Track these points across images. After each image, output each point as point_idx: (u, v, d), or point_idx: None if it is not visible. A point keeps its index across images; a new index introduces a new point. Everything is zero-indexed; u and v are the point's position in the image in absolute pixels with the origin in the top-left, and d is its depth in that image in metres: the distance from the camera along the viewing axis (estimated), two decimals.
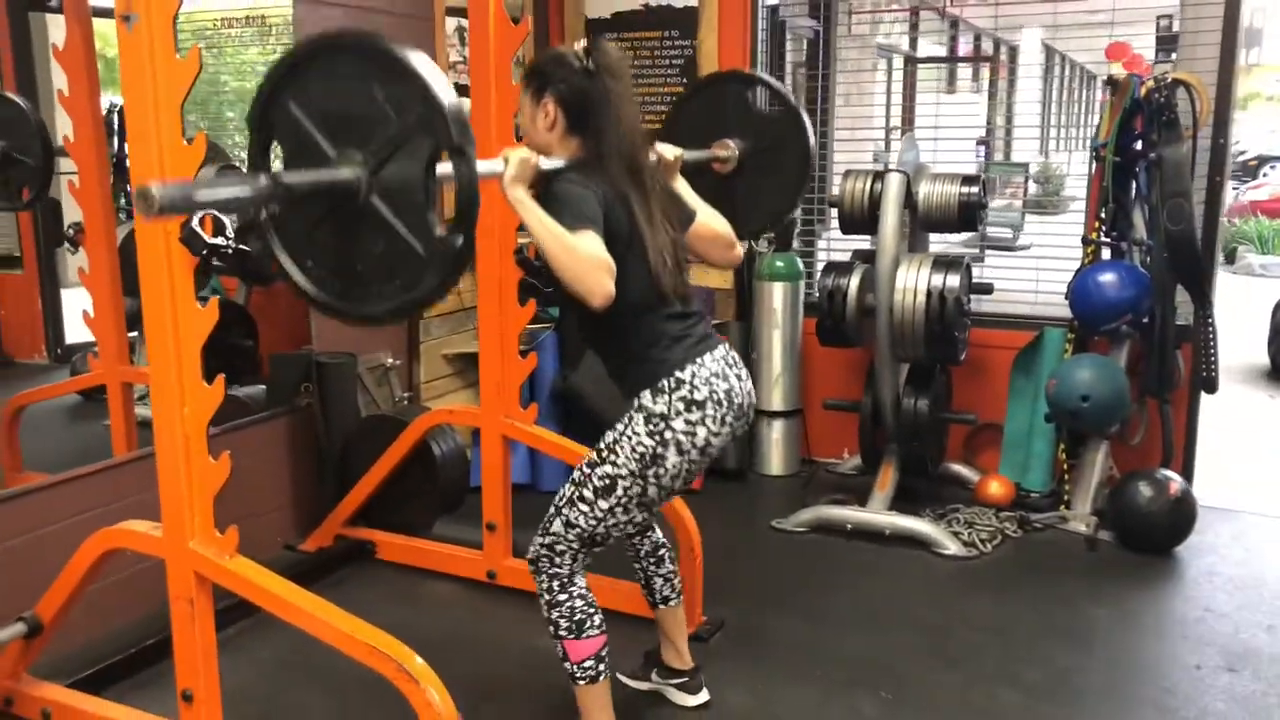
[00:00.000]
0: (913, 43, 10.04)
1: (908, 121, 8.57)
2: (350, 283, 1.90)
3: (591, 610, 2.39)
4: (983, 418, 4.28)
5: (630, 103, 2.29)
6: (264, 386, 3.92)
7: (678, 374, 2.25)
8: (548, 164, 2.20)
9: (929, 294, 3.62)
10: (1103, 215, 3.88)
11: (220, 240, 2.15)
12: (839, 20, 4.89)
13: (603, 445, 2.33)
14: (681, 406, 2.23)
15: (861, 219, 3.91)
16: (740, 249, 2.60)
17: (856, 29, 5.12)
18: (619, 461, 2.28)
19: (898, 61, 9.50)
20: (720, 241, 2.55)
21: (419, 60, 1.77)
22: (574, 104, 2.26)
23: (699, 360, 2.28)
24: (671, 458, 2.25)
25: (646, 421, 2.25)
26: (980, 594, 3.46)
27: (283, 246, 1.93)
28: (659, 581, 2.74)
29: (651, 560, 2.74)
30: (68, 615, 2.60)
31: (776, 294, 4.45)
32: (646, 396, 2.26)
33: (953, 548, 3.71)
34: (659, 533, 2.76)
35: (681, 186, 2.56)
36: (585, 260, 2.04)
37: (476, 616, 3.31)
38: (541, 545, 2.39)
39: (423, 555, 3.57)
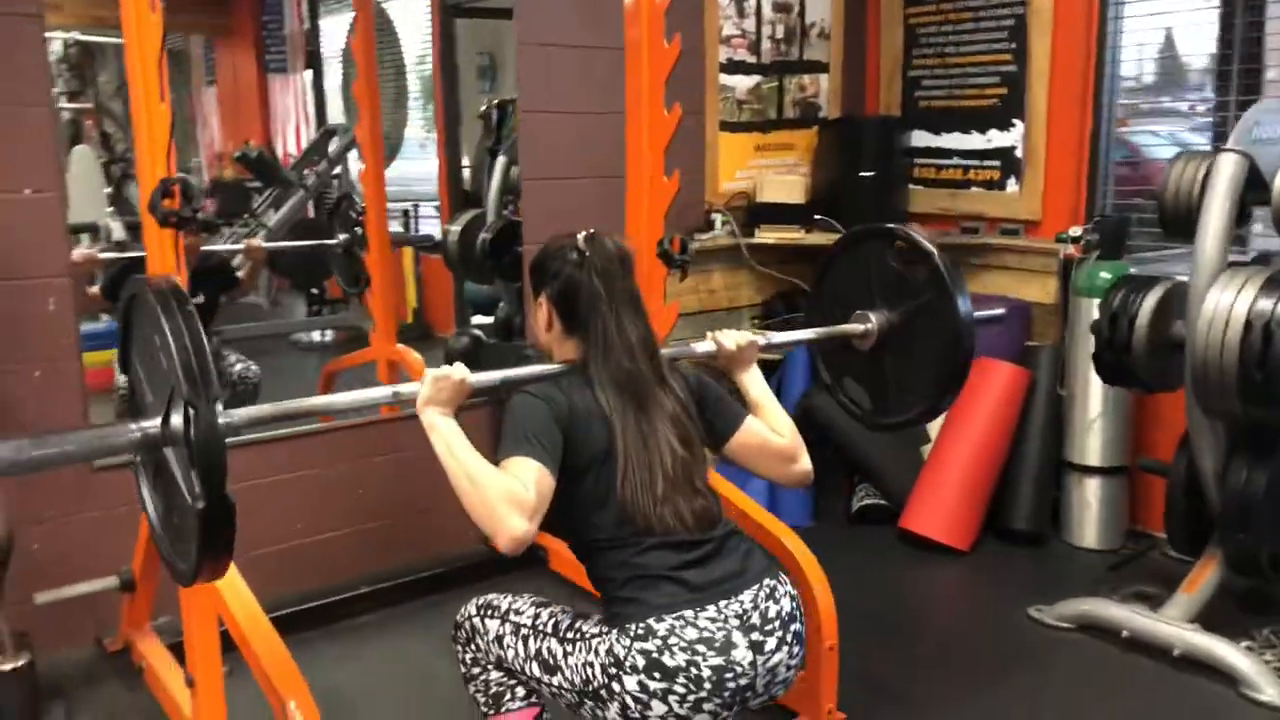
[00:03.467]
0: None
1: None
2: (171, 543, 1.72)
3: (510, 681, 1.94)
4: None
5: (628, 306, 1.91)
6: None
7: (651, 622, 1.72)
8: (484, 379, 1.88)
9: (1248, 325, 2.51)
10: None
11: (186, 210, 2.00)
12: None
13: (576, 625, 1.84)
14: (642, 662, 1.70)
15: (1188, 218, 2.84)
16: (805, 464, 2.05)
17: None
18: (571, 662, 1.80)
19: None
20: (768, 453, 2.03)
21: (168, 303, 1.58)
22: (565, 302, 1.93)
23: (686, 614, 1.73)
24: (612, 712, 1.74)
25: (607, 654, 1.74)
26: None
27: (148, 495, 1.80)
28: None
29: None
30: (156, 578, 2.67)
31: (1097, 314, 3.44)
32: (612, 630, 1.76)
33: (1269, 693, 2.57)
34: None
35: (750, 381, 2.16)
36: (490, 495, 1.65)
37: None
38: (468, 620, 1.99)
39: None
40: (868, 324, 2.47)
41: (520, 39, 3.51)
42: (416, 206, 5.05)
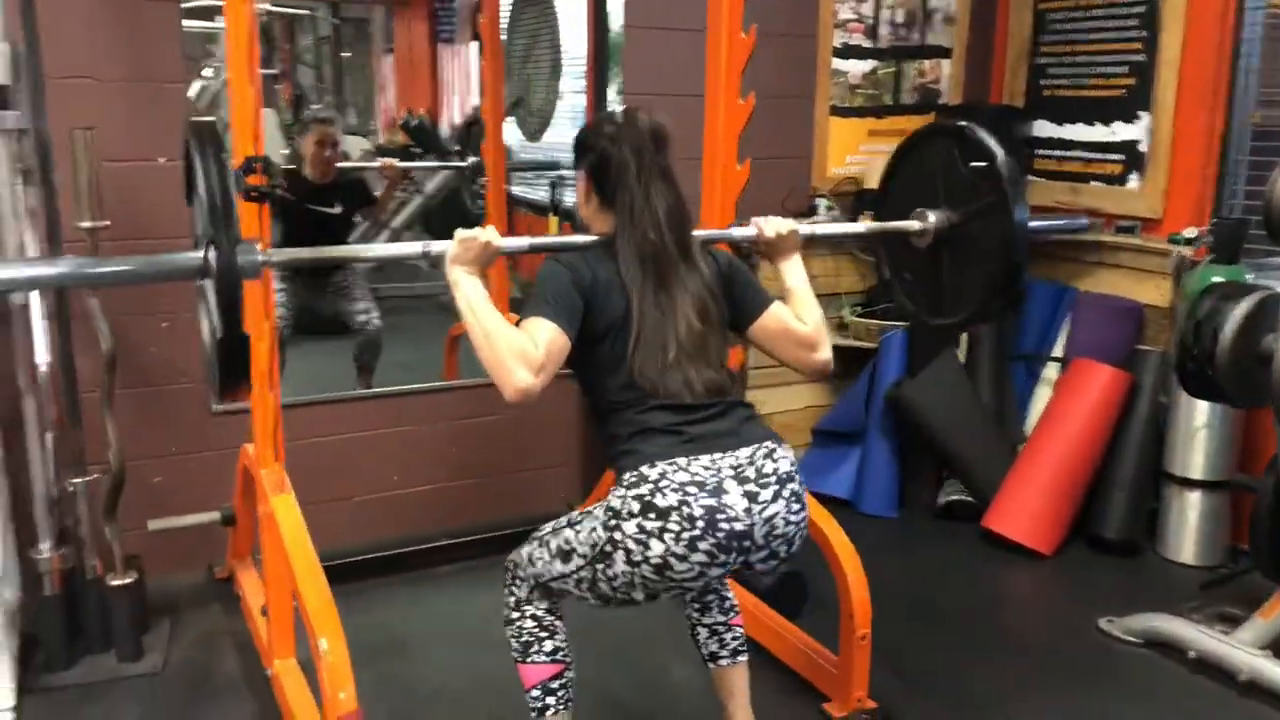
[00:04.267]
0: None
1: None
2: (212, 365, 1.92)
3: (542, 634, 2.06)
4: None
5: (658, 179, 1.97)
6: None
7: (644, 469, 1.81)
8: (511, 243, 1.99)
9: None
10: None
11: (266, 186, 2.19)
12: None
13: (583, 511, 1.98)
14: (637, 507, 1.79)
15: None
16: (824, 354, 2.09)
17: None
18: (581, 536, 1.91)
19: None
20: (790, 339, 2.08)
21: (204, 147, 1.72)
22: (598, 174, 2.01)
23: (679, 460, 1.81)
24: (619, 564, 1.83)
25: (605, 511, 1.85)
26: None
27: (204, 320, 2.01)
28: (704, 633, 2.26)
29: (696, 606, 2.26)
30: (254, 514, 2.94)
31: None
32: (615, 487, 1.87)
33: None
34: None
35: (788, 269, 2.21)
36: (501, 349, 1.78)
37: (653, 631, 3.02)
38: (512, 558, 2.11)
39: None
40: (925, 222, 2.46)
41: (627, 22, 3.61)
42: (563, 178, 5.24)
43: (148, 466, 3.10)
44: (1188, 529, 3.41)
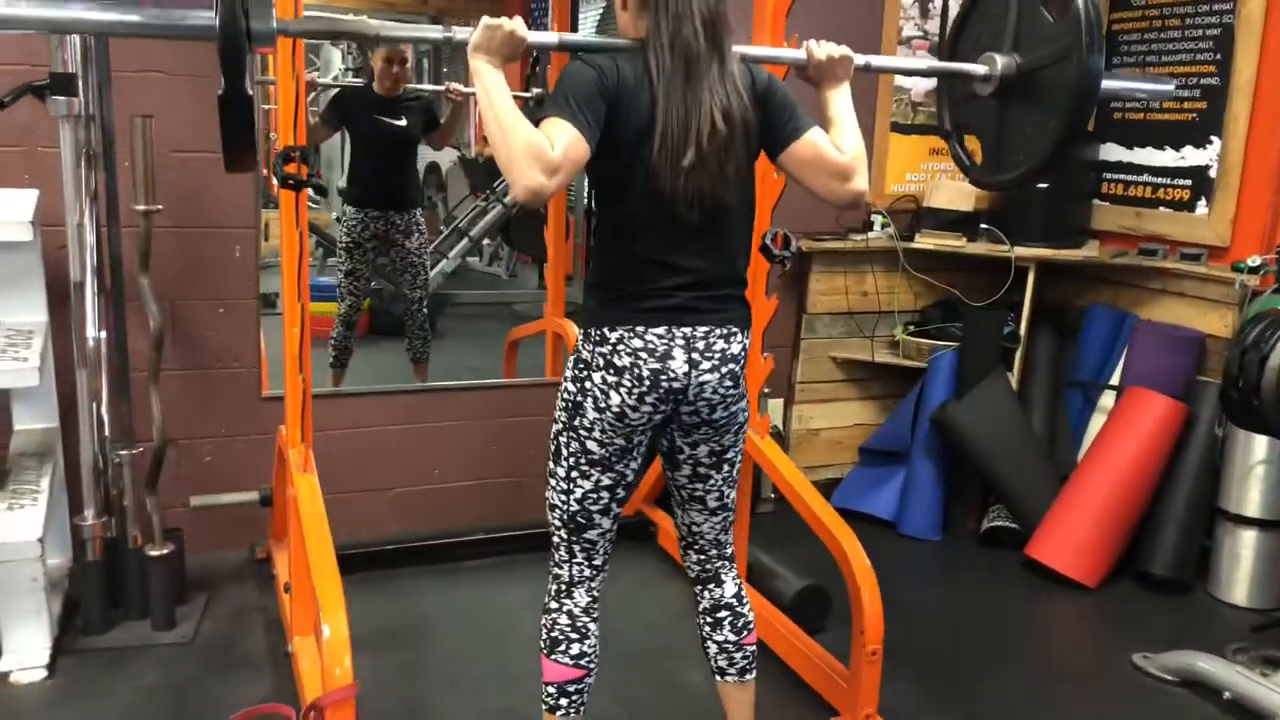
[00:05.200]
0: None
1: None
2: None
3: (573, 635, 2.04)
4: None
5: None
6: None
7: (606, 330, 1.92)
8: (540, 37, 1.87)
9: None
10: None
11: (300, 175, 2.28)
12: None
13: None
14: (601, 362, 1.93)
15: None
16: (858, 185, 1.93)
17: None
18: (556, 415, 2.02)
19: None
20: (824, 167, 1.92)
21: None
22: None
23: (636, 328, 1.91)
24: (590, 412, 1.94)
25: (574, 365, 1.99)
26: None
27: None
28: (713, 648, 2.21)
29: (708, 620, 2.21)
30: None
31: None
32: (581, 338, 1.98)
33: None
34: (730, 587, 2.21)
35: (834, 97, 2.03)
36: (516, 145, 1.70)
37: (670, 636, 3.02)
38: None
39: None
40: (991, 66, 2.24)
41: None
42: None
43: (200, 445, 3.23)
44: (1241, 568, 3.28)
